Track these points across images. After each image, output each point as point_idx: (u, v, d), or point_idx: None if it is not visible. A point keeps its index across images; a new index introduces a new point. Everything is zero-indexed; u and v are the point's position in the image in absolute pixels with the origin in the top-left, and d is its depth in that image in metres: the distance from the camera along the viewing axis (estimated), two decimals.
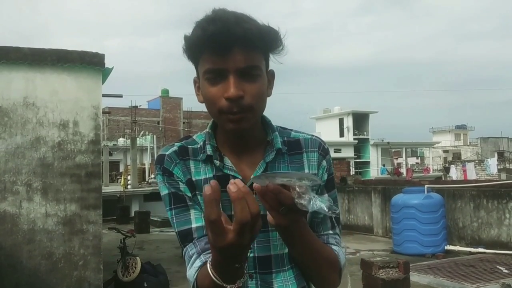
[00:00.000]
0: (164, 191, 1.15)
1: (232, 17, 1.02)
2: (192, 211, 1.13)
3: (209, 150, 1.14)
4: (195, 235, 1.11)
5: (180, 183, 1.14)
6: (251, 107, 1.05)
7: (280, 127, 1.23)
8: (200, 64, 1.08)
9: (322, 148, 1.21)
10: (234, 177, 1.11)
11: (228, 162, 1.14)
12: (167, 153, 1.17)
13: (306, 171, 1.17)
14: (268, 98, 1.14)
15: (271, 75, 1.16)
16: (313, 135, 1.24)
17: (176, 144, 1.20)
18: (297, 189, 0.88)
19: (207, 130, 1.19)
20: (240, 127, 1.07)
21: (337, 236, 1.21)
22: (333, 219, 1.20)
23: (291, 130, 1.24)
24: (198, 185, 1.14)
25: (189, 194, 1.14)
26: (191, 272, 1.09)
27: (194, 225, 1.12)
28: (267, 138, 1.17)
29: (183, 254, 1.13)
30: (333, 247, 1.16)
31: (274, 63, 1.15)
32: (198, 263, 1.08)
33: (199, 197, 1.13)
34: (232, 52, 1.02)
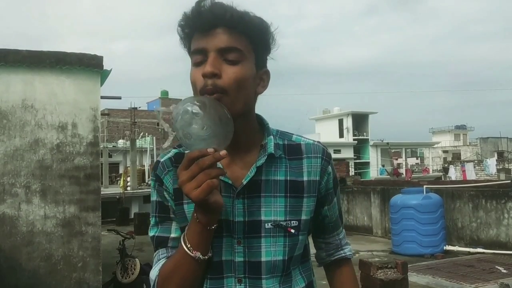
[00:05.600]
0: (153, 197, 1.18)
1: (218, 2, 1.05)
2: (173, 223, 1.16)
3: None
4: (170, 244, 1.14)
5: (165, 193, 1.15)
6: (225, 90, 1.02)
7: (281, 131, 1.22)
8: (191, 51, 1.09)
9: (326, 154, 1.21)
10: (224, 182, 1.10)
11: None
12: (162, 160, 1.18)
13: (305, 178, 1.16)
14: (264, 98, 1.14)
15: (265, 74, 1.15)
16: (315, 141, 1.23)
17: (173, 150, 1.20)
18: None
19: None
20: None
21: (343, 231, 1.35)
22: (340, 216, 1.30)
23: (293, 134, 1.23)
24: None
25: (173, 206, 1.15)
26: (155, 270, 1.11)
27: (172, 235, 1.15)
28: (263, 141, 1.15)
29: (154, 256, 1.16)
30: (345, 249, 1.31)
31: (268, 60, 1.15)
32: (163, 261, 1.11)
33: (185, 205, 1.13)
34: (214, 32, 1.04)
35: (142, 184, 24.16)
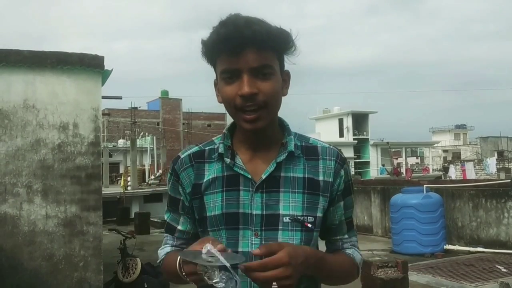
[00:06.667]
0: (168, 190, 1.30)
1: (243, 20, 1.09)
2: (181, 217, 1.28)
3: (221, 149, 1.21)
4: (176, 234, 1.29)
5: (180, 188, 1.24)
6: (265, 104, 1.11)
7: (299, 133, 1.28)
8: (217, 66, 1.16)
9: (340, 158, 1.25)
10: (244, 176, 1.17)
11: (239, 161, 1.19)
12: (182, 156, 1.26)
13: (321, 177, 1.21)
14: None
15: (286, 75, 1.22)
16: (330, 145, 1.28)
17: (194, 147, 1.28)
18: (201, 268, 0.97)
19: (224, 130, 1.26)
20: (256, 126, 1.13)
21: (353, 238, 1.32)
22: (348, 223, 1.30)
23: (310, 137, 1.30)
24: (206, 185, 1.21)
25: (186, 202, 1.24)
26: (161, 252, 1.32)
27: (179, 227, 1.29)
28: (283, 140, 1.22)
29: (163, 237, 1.35)
30: (347, 251, 1.29)
31: (287, 63, 1.21)
32: (168, 249, 1.31)
33: (205, 197, 1.21)
34: (244, 53, 1.09)
35: (143, 183, 24.18)
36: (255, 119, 1.11)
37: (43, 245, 5.17)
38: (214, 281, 0.95)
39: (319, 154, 1.24)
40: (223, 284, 0.95)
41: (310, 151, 1.24)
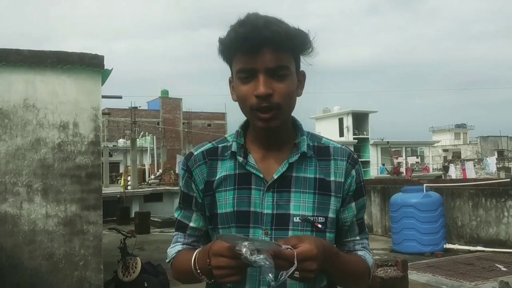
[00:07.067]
0: (180, 185, 1.29)
1: (262, 20, 1.09)
2: (194, 214, 1.27)
3: (234, 147, 1.21)
4: (188, 231, 1.28)
5: (193, 185, 1.24)
6: (279, 105, 1.11)
7: (311, 133, 1.28)
8: (233, 64, 1.15)
9: (351, 158, 1.25)
10: (256, 175, 1.18)
11: (251, 160, 1.19)
12: (195, 152, 1.26)
13: (332, 178, 1.21)
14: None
15: (302, 76, 1.22)
16: (342, 145, 1.28)
17: (207, 144, 1.28)
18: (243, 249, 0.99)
19: (237, 128, 1.26)
20: (270, 125, 1.13)
21: (364, 240, 1.32)
22: (359, 224, 1.29)
23: (322, 137, 1.29)
24: (218, 183, 1.21)
25: (199, 199, 1.24)
26: (172, 250, 1.31)
27: (191, 224, 1.28)
28: (296, 140, 1.22)
29: (173, 236, 1.34)
30: (359, 252, 1.28)
31: (303, 63, 1.21)
32: (179, 247, 1.30)
33: (217, 194, 1.21)
34: (261, 53, 1.09)
35: (143, 183, 24.19)
36: (269, 118, 1.11)
37: (43, 244, 5.17)
38: (253, 259, 0.98)
39: (331, 154, 1.23)
40: (262, 263, 0.98)
41: (322, 151, 1.24)
